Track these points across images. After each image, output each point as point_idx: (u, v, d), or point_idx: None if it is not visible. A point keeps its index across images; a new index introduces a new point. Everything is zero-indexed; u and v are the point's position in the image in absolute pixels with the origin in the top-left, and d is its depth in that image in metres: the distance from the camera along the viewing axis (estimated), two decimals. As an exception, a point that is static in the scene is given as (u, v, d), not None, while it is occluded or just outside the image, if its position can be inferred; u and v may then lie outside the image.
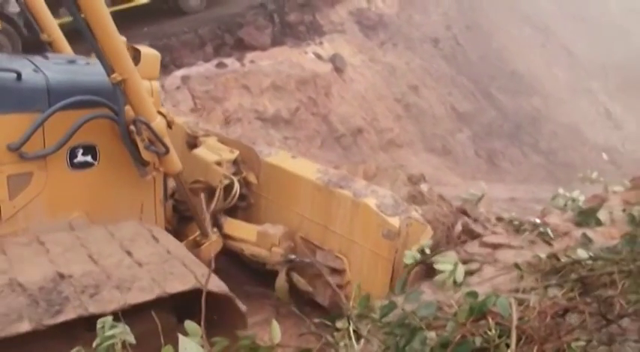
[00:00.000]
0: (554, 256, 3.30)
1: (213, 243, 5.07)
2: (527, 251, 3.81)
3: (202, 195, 5.24)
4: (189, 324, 2.42)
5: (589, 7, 26.51)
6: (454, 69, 17.40)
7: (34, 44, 5.05)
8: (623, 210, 4.15)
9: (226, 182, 5.26)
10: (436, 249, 4.19)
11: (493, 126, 16.63)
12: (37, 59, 4.35)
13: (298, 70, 12.14)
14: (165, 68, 10.17)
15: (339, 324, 2.90)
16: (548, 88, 20.38)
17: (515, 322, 2.40)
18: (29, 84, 3.92)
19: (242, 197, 5.46)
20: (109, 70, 3.91)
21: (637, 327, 1.84)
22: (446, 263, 3.79)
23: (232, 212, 5.52)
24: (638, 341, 1.78)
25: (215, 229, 5.20)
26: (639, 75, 24.17)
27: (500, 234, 4.37)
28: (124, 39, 4.13)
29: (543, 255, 3.38)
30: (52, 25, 5.07)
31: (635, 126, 22.15)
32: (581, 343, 2.32)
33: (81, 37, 3.87)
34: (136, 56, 4.34)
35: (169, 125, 4.44)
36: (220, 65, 11.58)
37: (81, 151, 4.21)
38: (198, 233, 5.08)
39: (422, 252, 4.08)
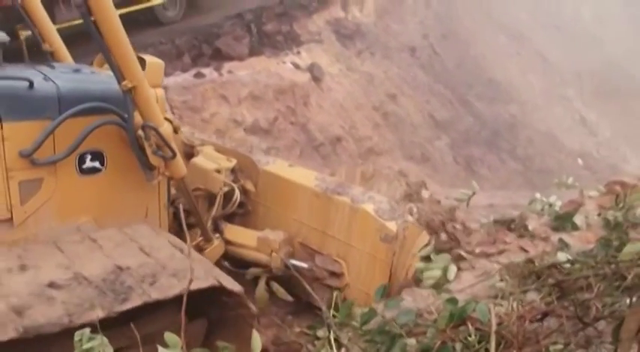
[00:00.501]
0: (531, 261, 3.33)
1: (215, 248, 5.21)
2: (503, 257, 3.84)
3: (203, 202, 5.36)
4: (168, 336, 2.40)
5: (562, 15, 26.93)
6: (431, 77, 17.54)
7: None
8: (599, 215, 4.20)
9: (226, 189, 5.39)
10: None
11: (471, 134, 16.77)
12: (44, 68, 4.43)
13: (276, 79, 12.15)
14: (143, 79, 10.11)
15: (320, 333, 2.90)
16: (525, 95, 20.62)
17: (494, 327, 2.42)
18: (40, 92, 3.99)
19: (240, 204, 5.57)
20: (120, 77, 4.01)
21: (612, 330, 1.87)
22: (438, 264, 3.87)
23: (230, 219, 5.62)
24: (613, 343, 1.81)
25: (217, 234, 5.33)
26: (613, 82, 24.58)
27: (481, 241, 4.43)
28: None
29: (520, 260, 3.41)
30: (53, 35, 5.13)
31: (610, 132, 22.49)
32: (559, 346, 2.34)
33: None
34: (142, 64, 4.40)
35: (175, 130, 4.56)
36: (198, 75, 11.54)
37: (89, 157, 4.28)
38: (201, 238, 5.17)
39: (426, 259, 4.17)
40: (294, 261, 5.21)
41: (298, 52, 13.91)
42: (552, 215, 4.39)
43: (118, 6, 4.22)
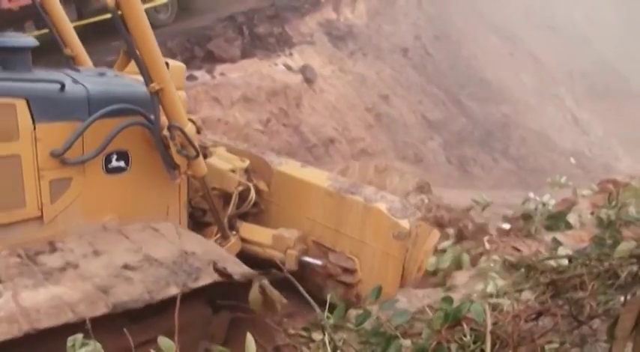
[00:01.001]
0: (526, 260, 3.33)
1: (232, 245, 5.39)
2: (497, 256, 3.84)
3: (218, 202, 5.50)
4: (162, 340, 2.38)
5: (554, 16, 27.04)
6: (424, 78, 17.56)
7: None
8: (592, 214, 4.21)
9: (241, 188, 5.61)
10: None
11: (464, 134, 16.80)
12: (71, 72, 4.63)
13: (268, 81, 12.13)
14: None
15: (315, 335, 2.89)
16: (517, 95, 20.68)
17: (489, 327, 2.41)
18: (71, 94, 4.18)
19: (254, 204, 5.79)
20: (148, 79, 4.21)
21: (607, 328, 1.87)
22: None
23: (243, 218, 5.83)
24: (608, 341, 1.81)
25: (234, 232, 5.53)
26: (604, 81, 24.72)
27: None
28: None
29: (513, 259, 3.41)
30: (74, 41, 5.32)
31: (602, 131, 22.58)
32: (555, 345, 2.34)
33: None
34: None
35: (198, 131, 4.77)
36: (190, 78, 11.50)
37: (115, 157, 4.47)
38: (218, 235, 5.36)
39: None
40: (308, 259, 5.43)
41: (290, 54, 13.89)
42: (545, 214, 4.40)
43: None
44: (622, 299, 2.19)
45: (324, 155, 12.09)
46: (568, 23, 27.46)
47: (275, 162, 5.97)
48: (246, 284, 3.74)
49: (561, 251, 3.24)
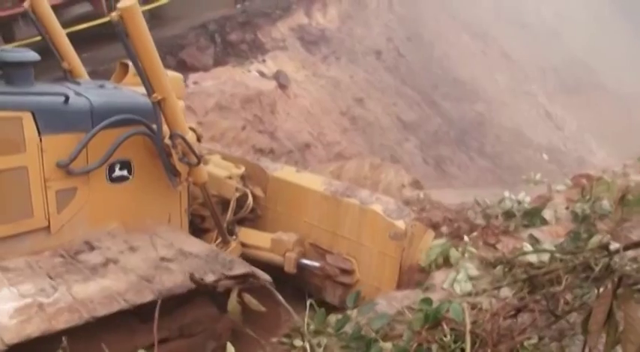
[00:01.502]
0: (502, 257, 3.35)
1: (233, 249, 5.55)
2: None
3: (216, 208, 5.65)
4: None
5: (523, 13, 27.31)
6: (398, 79, 17.62)
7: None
8: (567, 208, 4.25)
9: (238, 194, 5.78)
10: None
11: (439, 134, 16.88)
12: (72, 85, 4.80)
13: (242, 88, 12.07)
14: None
15: (296, 342, 2.87)
16: (491, 93, 20.84)
17: (468, 326, 2.42)
18: (75, 106, 4.36)
19: (250, 209, 5.97)
20: (151, 90, 4.35)
21: (581, 322, 1.88)
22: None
23: (240, 223, 6.00)
24: (583, 334, 1.81)
25: (234, 237, 5.70)
26: (576, 77, 25.02)
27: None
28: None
29: (491, 257, 3.42)
30: (71, 55, 5.47)
31: (575, 125, 22.85)
32: (533, 341, 2.35)
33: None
34: None
35: (198, 139, 4.93)
36: (163, 87, 11.44)
37: (118, 166, 4.61)
38: (219, 240, 5.52)
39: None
40: (306, 261, 5.60)
41: (263, 60, 13.85)
42: (521, 212, 4.43)
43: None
44: (596, 292, 2.20)
45: (301, 160, 12.07)
46: (538, 20, 27.77)
47: (270, 168, 6.15)
48: (248, 284, 3.95)
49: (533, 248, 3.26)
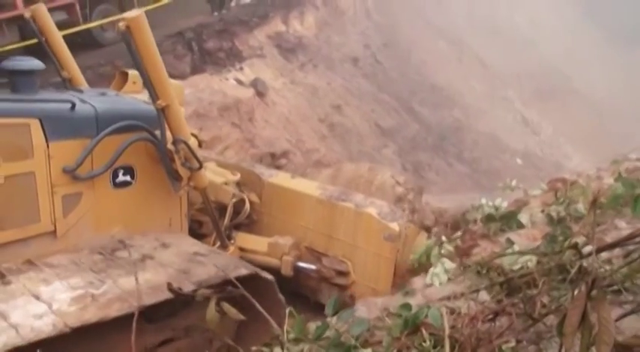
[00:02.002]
0: (482, 261, 3.37)
1: (232, 254, 5.60)
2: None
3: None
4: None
5: (497, 20, 27.65)
6: (375, 86, 17.72)
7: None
8: (542, 212, 4.29)
9: (235, 200, 5.89)
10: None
11: (417, 140, 16.99)
12: (75, 93, 4.89)
13: (220, 96, 12.04)
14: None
15: (276, 350, 2.86)
16: (467, 99, 21.05)
17: (447, 331, 2.43)
18: (80, 113, 4.41)
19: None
20: (155, 97, 4.47)
21: (557, 325, 1.90)
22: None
23: (236, 228, 6.10)
24: (559, 337, 1.83)
25: (231, 241, 5.78)
26: (551, 82, 25.37)
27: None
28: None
29: (469, 261, 3.45)
30: (71, 63, 5.54)
31: (551, 130, 23.14)
32: (511, 344, 2.36)
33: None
34: None
35: (200, 144, 5.07)
36: (140, 96, 11.38)
37: (122, 172, 4.70)
38: (217, 245, 5.58)
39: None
40: (302, 264, 5.72)
41: (241, 68, 13.85)
42: (499, 216, 4.47)
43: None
44: (571, 294, 2.23)
45: (280, 168, 12.07)
46: (511, 27, 28.13)
47: (265, 174, 6.30)
48: (250, 283, 3.96)
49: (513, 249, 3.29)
